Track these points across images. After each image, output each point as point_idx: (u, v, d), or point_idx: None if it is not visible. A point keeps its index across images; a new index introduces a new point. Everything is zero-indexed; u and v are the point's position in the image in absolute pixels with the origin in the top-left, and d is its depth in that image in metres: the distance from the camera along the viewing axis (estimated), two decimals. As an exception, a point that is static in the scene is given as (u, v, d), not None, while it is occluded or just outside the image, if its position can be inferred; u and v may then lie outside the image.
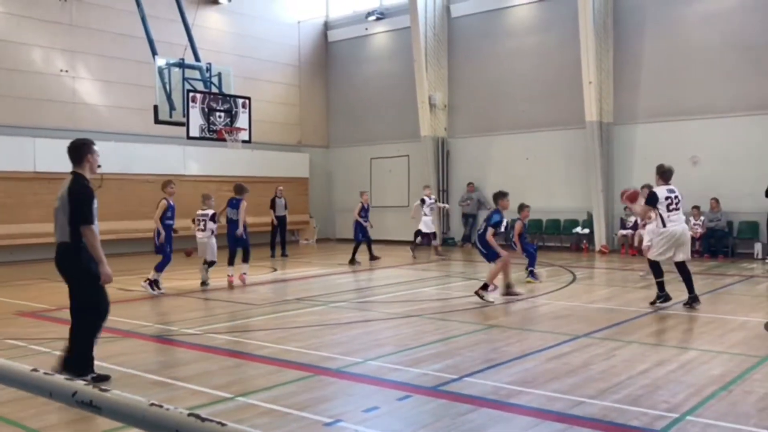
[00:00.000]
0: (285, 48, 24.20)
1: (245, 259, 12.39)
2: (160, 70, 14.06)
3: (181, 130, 14.09)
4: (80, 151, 5.86)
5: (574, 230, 19.18)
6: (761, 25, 16.65)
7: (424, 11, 21.25)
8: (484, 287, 10.22)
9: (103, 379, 5.81)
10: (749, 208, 16.53)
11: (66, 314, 9.44)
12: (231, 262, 12.26)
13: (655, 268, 9.54)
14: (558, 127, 19.57)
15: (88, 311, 5.82)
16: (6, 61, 17.44)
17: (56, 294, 11.55)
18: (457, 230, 21.92)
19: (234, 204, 12.36)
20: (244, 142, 14.86)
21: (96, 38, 19.09)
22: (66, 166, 18.21)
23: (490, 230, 10.60)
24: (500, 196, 10.81)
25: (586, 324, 8.39)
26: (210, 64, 15.00)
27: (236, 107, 14.55)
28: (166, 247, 11.36)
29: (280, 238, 18.82)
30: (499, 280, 10.56)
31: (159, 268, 11.35)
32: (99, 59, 19.20)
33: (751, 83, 16.70)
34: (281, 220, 18.74)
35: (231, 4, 22.17)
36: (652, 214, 9.83)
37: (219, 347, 7.39)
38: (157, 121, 14.02)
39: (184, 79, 14.04)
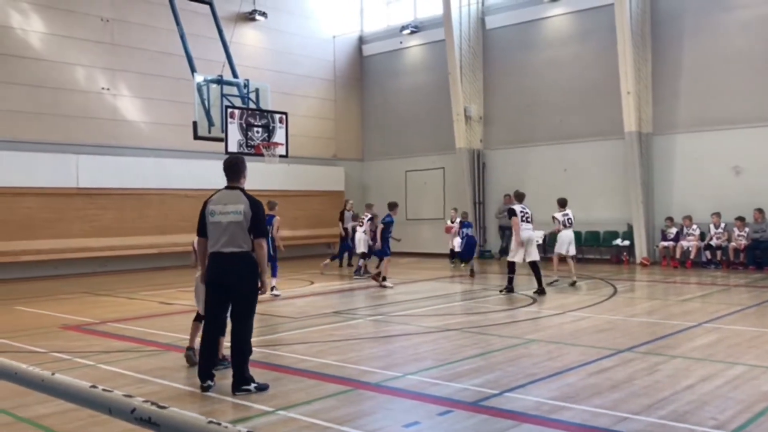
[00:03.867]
0: (320, 63, 24.44)
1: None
2: (199, 87, 14.26)
3: (219, 146, 14.26)
4: (241, 167, 6.27)
5: (614, 242, 18.91)
6: (805, 32, 16.29)
7: (459, 24, 21.28)
8: (383, 279, 13.87)
9: (265, 387, 6.01)
10: (795, 219, 16.11)
11: (110, 328, 9.63)
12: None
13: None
14: (596, 138, 19.37)
15: (252, 317, 6.15)
16: (50, 81, 17.93)
17: (99, 308, 11.79)
18: (494, 243, 21.77)
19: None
20: (281, 156, 14.97)
21: (136, 56, 19.51)
22: (108, 182, 18.63)
23: (381, 226, 14.25)
24: (394, 205, 14.66)
25: (628, 338, 8.24)
26: (248, 80, 15.18)
27: (273, 122, 14.69)
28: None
29: (348, 251, 18.81)
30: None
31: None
32: (139, 77, 19.61)
33: (795, 91, 16.33)
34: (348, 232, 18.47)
35: (268, 21, 22.47)
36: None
37: (259, 360, 7.40)
38: (196, 137, 14.21)
39: (223, 95, 14.22)
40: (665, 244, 17.70)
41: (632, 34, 17.88)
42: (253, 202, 6.06)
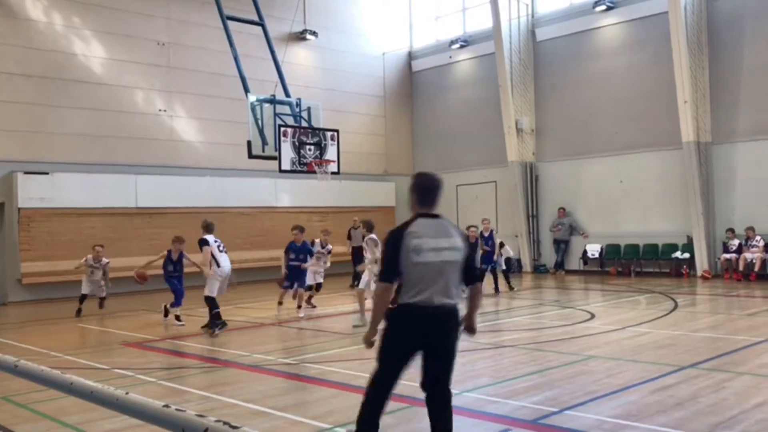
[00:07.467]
0: (371, 80, 24.65)
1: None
2: (253, 107, 14.55)
3: (273, 164, 14.51)
4: (442, 188, 4.70)
5: (674, 255, 18.41)
6: None
7: (509, 36, 21.18)
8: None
9: None
10: None
11: (170, 345, 9.81)
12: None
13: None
14: (653, 149, 18.95)
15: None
16: (111, 104, 18.54)
17: (158, 325, 12.04)
18: (549, 257, 21.47)
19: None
20: (333, 173, 15.13)
21: (192, 78, 20.03)
22: (165, 201, 19.16)
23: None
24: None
25: (691, 354, 8.00)
26: (299, 99, 15.42)
27: (325, 140, 14.86)
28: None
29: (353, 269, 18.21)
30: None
31: None
32: (195, 98, 20.11)
33: None
34: (356, 250, 17.64)
35: (318, 40, 22.80)
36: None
37: (315, 377, 7.47)
38: (250, 155, 14.47)
39: (276, 114, 14.48)
40: (727, 256, 17.15)
41: (688, 41, 17.47)
42: (466, 236, 4.80)
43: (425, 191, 4.61)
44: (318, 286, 13.82)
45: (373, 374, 4.66)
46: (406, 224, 4.50)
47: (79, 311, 13.64)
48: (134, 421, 2.21)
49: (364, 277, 11.21)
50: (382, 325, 4.59)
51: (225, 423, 1.61)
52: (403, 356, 4.61)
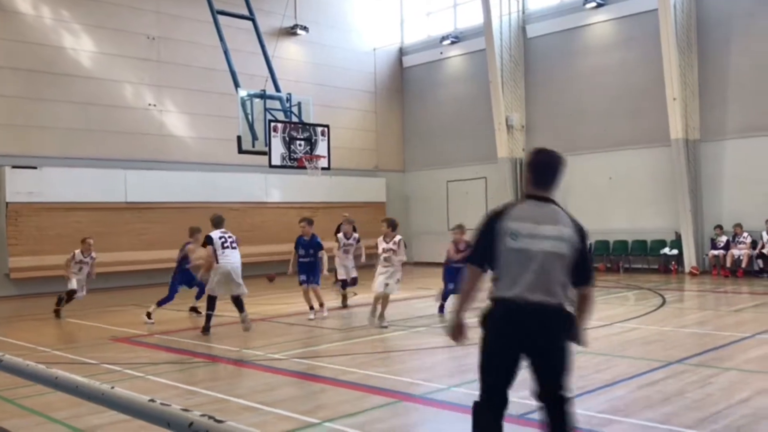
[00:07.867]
0: (361, 75, 24.62)
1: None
2: (243, 102, 14.51)
3: (263, 159, 14.48)
4: (563, 169, 4.05)
5: (662, 251, 18.53)
6: None
7: (500, 33, 21.21)
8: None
9: None
10: None
11: (159, 340, 9.78)
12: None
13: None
14: (642, 146, 19.04)
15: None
16: (100, 98, 18.43)
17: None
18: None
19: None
20: (323, 169, 15.11)
21: (182, 73, 19.93)
22: (155, 196, 18.93)
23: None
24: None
25: (678, 349, 8.06)
26: (290, 94, 15.39)
27: (315, 135, 14.85)
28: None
29: None
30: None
31: None
32: (185, 93, 20.02)
33: None
34: None
35: (309, 35, 22.74)
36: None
37: (304, 372, 7.49)
38: (240, 150, 14.44)
39: (266, 109, 14.44)
40: (715, 252, 17.27)
41: (677, 39, 17.56)
42: (581, 228, 3.93)
43: (541, 169, 4.03)
44: (353, 281, 13.08)
45: (478, 397, 3.98)
46: (510, 205, 4.00)
47: (57, 312, 12.70)
48: (122, 416, 2.21)
49: (379, 279, 10.53)
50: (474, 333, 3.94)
51: (210, 417, 1.61)
52: (502, 363, 3.85)
